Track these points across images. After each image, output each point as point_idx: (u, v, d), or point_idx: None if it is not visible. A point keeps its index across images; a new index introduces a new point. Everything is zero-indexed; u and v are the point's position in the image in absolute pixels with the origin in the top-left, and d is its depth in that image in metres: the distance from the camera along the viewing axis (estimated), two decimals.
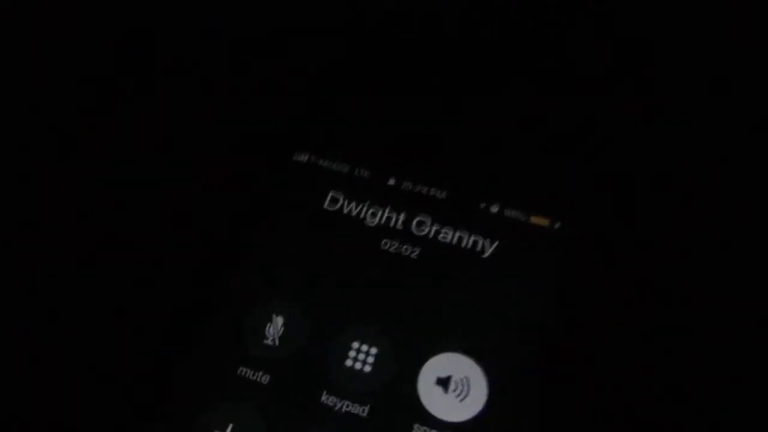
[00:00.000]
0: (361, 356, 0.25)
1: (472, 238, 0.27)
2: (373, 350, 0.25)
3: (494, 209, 0.27)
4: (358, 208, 0.27)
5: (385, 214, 0.27)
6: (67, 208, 0.28)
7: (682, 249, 0.28)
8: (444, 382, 0.24)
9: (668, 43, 0.31)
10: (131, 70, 0.31)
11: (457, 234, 0.27)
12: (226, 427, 0.24)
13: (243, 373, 0.24)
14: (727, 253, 0.27)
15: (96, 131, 0.30)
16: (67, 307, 0.26)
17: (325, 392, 0.24)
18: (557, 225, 0.27)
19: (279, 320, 0.25)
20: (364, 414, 0.24)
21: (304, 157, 0.29)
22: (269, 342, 0.25)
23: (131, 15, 0.32)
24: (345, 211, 0.27)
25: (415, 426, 0.24)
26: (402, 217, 0.27)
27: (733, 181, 0.29)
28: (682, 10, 0.31)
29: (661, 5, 0.31)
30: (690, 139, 0.29)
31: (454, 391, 0.24)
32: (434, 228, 0.27)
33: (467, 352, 0.25)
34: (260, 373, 0.24)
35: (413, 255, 0.27)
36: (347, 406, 0.24)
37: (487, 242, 0.27)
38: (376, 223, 0.27)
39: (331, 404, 0.24)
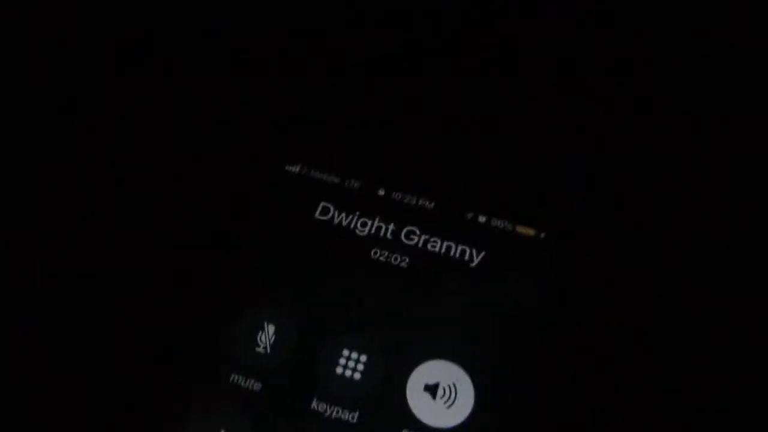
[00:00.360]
0: (351, 363, 0.25)
1: (460, 248, 0.27)
2: (363, 357, 0.25)
3: (481, 219, 0.28)
4: (349, 218, 0.28)
5: (375, 224, 0.28)
6: (63, 209, 0.29)
7: (666, 260, 0.28)
8: (432, 389, 0.25)
9: (661, 52, 0.31)
10: (128, 75, 0.32)
11: (446, 243, 0.27)
12: None
13: (235, 380, 0.25)
14: (715, 264, 0.28)
15: (93, 133, 0.30)
16: (59, 311, 0.26)
17: (315, 399, 0.24)
18: (543, 235, 0.28)
19: (271, 328, 0.26)
20: (354, 420, 0.24)
21: (295, 168, 0.29)
22: (261, 350, 0.25)
23: (130, 15, 0.32)
24: (336, 221, 0.28)
25: (404, 431, 0.24)
26: (392, 227, 0.28)
27: (723, 189, 0.29)
28: (679, 13, 0.32)
29: (659, 7, 0.32)
30: (676, 150, 0.30)
31: (442, 397, 0.25)
32: (423, 238, 0.28)
33: (455, 359, 0.25)
34: (252, 381, 0.25)
35: (402, 264, 0.27)
36: (337, 413, 0.24)
37: (475, 252, 0.27)
38: (366, 232, 0.28)
39: (321, 410, 0.24)
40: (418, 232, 0.28)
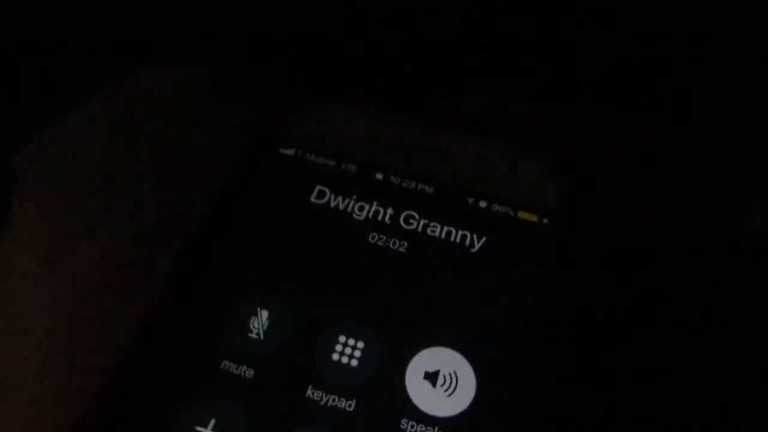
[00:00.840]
0: (348, 350, 0.24)
1: (461, 233, 0.27)
2: (360, 344, 0.24)
3: (483, 204, 0.27)
4: (346, 202, 0.27)
5: (373, 208, 0.27)
6: (54, 201, 0.28)
7: (671, 246, 0.28)
8: (432, 377, 0.24)
9: (659, 43, 0.31)
10: (125, 62, 0.31)
11: (446, 228, 0.27)
12: (209, 422, 0.23)
13: (226, 368, 0.24)
14: (716, 256, 0.27)
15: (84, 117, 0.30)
16: (48, 298, 0.25)
17: (310, 386, 0.23)
18: (545, 221, 0.27)
19: (264, 314, 0.25)
20: (351, 409, 0.23)
21: (290, 151, 0.28)
22: (254, 335, 0.24)
23: (129, 14, 0.32)
24: (332, 204, 0.27)
25: (403, 421, 0.23)
26: (390, 211, 0.27)
27: (722, 179, 0.29)
28: (670, 15, 0.31)
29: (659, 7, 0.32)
30: (680, 137, 0.30)
31: (443, 385, 0.24)
32: (422, 222, 0.27)
33: (456, 346, 0.24)
34: (244, 368, 0.24)
35: (401, 249, 0.26)
36: (333, 401, 0.23)
37: (476, 237, 0.26)
38: (363, 216, 0.27)
39: (316, 399, 0.23)
40: (417, 216, 0.27)
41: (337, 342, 0.24)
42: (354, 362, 0.24)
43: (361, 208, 0.27)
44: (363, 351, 0.24)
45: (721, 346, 0.26)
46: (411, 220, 0.27)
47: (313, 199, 0.27)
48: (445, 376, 0.24)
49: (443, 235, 0.26)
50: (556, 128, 0.30)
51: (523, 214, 0.27)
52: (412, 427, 0.23)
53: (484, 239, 0.26)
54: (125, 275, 0.26)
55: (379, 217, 0.27)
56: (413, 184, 0.28)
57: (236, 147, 0.29)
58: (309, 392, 0.23)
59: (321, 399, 0.23)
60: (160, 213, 0.27)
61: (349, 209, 0.27)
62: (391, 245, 0.26)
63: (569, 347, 0.25)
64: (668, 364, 0.26)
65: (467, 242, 0.26)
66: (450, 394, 0.24)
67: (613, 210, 0.28)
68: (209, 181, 0.28)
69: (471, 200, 0.27)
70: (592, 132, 0.30)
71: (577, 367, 0.25)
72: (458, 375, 0.24)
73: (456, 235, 0.26)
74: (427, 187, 0.27)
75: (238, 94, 0.31)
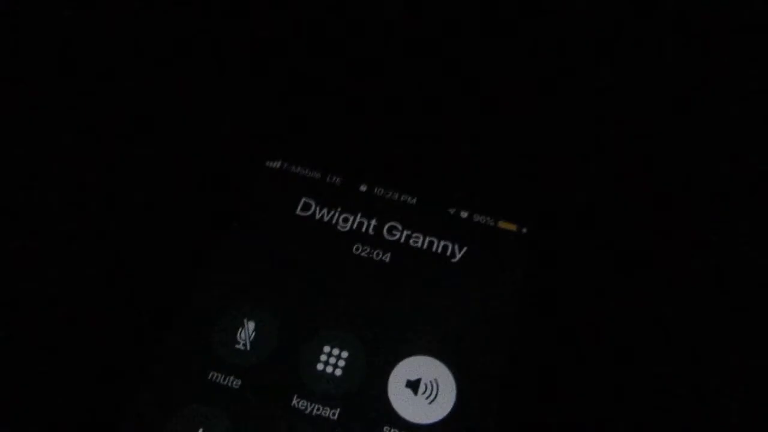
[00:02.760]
0: (332, 360, 0.25)
1: (442, 243, 0.27)
2: (344, 354, 0.25)
3: (464, 214, 0.28)
4: (330, 214, 0.28)
5: (357, 220, 0.28)
6: (42, 212, 0.28)
7: (648, 256, 0.28)
8: (414, 385, 0.25)
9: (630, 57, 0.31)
10: (112, 74, 0.31)
11: (428, 239, 0.27)
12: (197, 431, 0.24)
13: (214, 378, 0.24)
14: (698, 262, 0.28)
15: (68, 130, 0.30)
16: (38, 307, 0.26)
17: (296, 396, 0.24)
18: (525, 230, 0.28)
19: (251, 325, 0.25)
20: (335, 417, 0.24)
21: (276, 164, 0.29)
22: (240, 347, 0.25)
23: (116, 17, 0.32)
24: (317, 216, 0.28)
25: (385, 428, 0.24)
26: (373, 222, 0.28)
27: (706, 188, 0.29)
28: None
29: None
30: (656, 149, 0.30)
31: (424, 393, 0.24)
32: (405, 233, 0.27)
33: (437, 355, 0.25)
34: (231, 378, 0.24)
35: (385, 260, 0.27)
36: (318, 410, 0.24)
37: (457, 247, 0.27)
38: (347, 228, 0.28)
39: (301, 408, 0.24)
40: (400, 227, 0.28)
41: (322, 352, 0.25)
42: (338, 372, 0.25)
43: (346, 220, 0.28)
44: (347, 360, 0.25)
45: (703, 348, 0.26)
46: (394, 231, 0.27)
47: (298, 211, 0.28)
48: (426, 384, 0.25)
49: (425, 246, 0.27)
50: (541, 137, 0.30)
51: (502, 224, 0.28)
52: None
53: (465, 249, 0.27)
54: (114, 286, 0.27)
55: (363, 229, 0.27)
56: (396, 196, 0.28)
57: (222, 159, 0.29)
58: (294, 401, 0.24)
59: (306, 408, 0.24)
60: (145, 225, 0.28)
61: (333, 221, 0.28)
62: (374, 256, 0.27)
63: (548, 355, 0.26)
64: (663, 368, 0.26)
65: (449, 252, 0.27)
66: (431, 402, 0.24)
67: (594, 214, 0.29)
68: (196, 194, 0.28)
69: (452, 210, 0.28)
70: (577, 140, 0.30)
71: (556, 375, 0.26)
72: (439, 383, 0.25)
73: (438, 246, 0.27)
74: (409, 198, 0.28)
75: (224, 104, 0.31)
